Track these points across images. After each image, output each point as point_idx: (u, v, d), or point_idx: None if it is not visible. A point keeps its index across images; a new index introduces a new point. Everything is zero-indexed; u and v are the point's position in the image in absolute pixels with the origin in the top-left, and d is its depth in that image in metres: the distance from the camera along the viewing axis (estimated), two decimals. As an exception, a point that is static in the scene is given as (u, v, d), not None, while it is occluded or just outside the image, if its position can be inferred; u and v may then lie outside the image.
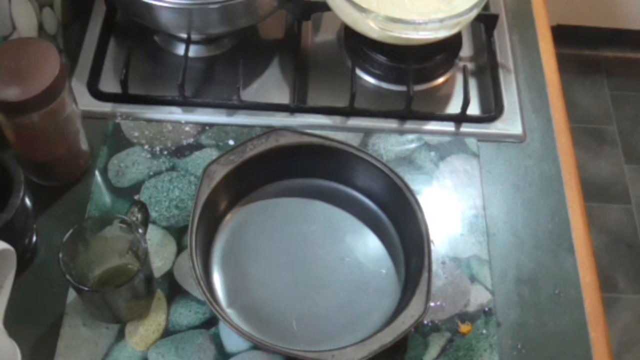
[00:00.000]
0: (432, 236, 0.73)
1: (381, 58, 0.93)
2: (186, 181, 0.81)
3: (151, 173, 0.82)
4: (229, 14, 0.87)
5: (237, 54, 0.94)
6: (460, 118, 0.88)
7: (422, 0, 0.90)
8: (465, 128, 0.88)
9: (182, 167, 0.83)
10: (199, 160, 0.83)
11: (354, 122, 0.88)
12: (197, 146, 0.84)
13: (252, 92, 0.92)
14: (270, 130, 0.78)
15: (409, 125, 0.88)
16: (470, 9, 0.85)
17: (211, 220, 0.76)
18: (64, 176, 0.81)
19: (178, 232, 0.78)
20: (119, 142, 0.84)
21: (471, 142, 0.86)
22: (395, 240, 0.78)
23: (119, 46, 0.95)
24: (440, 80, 0.95)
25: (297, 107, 0.88)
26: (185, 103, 0.88)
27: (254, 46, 0.97)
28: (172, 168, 0.83)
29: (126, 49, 0.89)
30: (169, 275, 0.75)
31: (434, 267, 0.73)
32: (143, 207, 0.74)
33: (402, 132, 0.87)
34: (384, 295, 0.74)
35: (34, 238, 0.76)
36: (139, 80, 0.91)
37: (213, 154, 0.83)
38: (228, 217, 0.79)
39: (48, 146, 0.76)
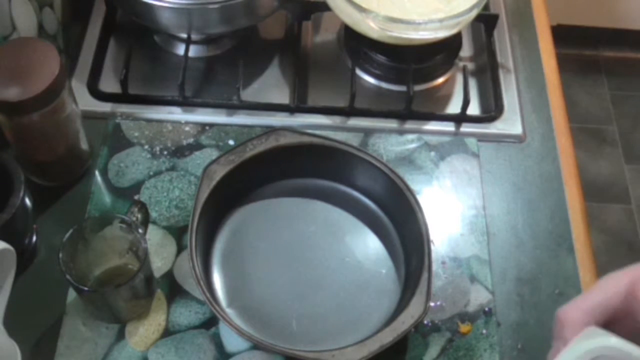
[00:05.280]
0: (432, 236, 0.73)
1: (381, 58, 0.93)
2: (186, 181, 0.81)
3: (151, 173, 0.82)
4: (229, 14, 0.87)
5: (237, 54, 0.94)
6: (460, 118, 0.88)
7: (422, 0, 0.90)
8: (465, 128, 0.88)
9: (182, 167, 0.83)
10: (199, 160, 0.83)
11: (354, 122, 0.88)
12: (197, 146, 0.84)
13: (252, 92, 0.92)
14: (270, 130, 0.78)
15: (409, 125, 0.88)
16: (470, 9, 0.85)
17: (211, 220, 0.76)
18: (64, 176, 0.81)
19: (178, 232, 0.78)
20: (119, 142, 0.84)
21: (471, 142, 0.86)
22: (395, 240, 0.78)
23: (119, 46, 0.95)
24: (440, 80, 0.95)
25: (297, 107, 0.88)
26: (185, 103, 0.88)
27: (254, 46, 0.97)
28: (172, 168, 0.83)
29: (126, 49, 0.89)
30: (169, 275, 0.75)
31: (434, 267, 0.73)
32: (143, 207, 0.74)
33: (402, 132, 0.87)
34: (384, 295, 0.74)
35: (34, 238, 0.76)
36: (139, 80, 0.91)
37: (213, 154, 0.83)
38: (228, 217, 0.79)
39: (48, 146, 0.76)
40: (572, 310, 0.49)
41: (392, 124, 0.88)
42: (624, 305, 0.48)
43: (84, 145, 0.80)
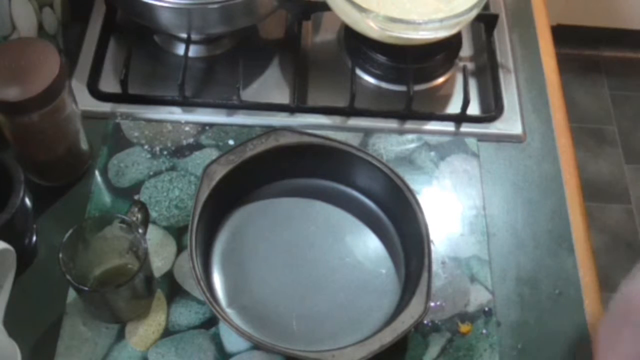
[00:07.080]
0: (432, 236, 0.73)
1: (381, 58, 0.93)
2: (186, 181, 0.81)
3: (151, 173, 0.82)
4: (229, 14, 0.87)
5: (237, 54, 0.94)
6: (460, 118, 0.88)
7: (422, 0, 0.90)
8: (465, 128, 0.88)
9: (182, 167, 0.83)
10: (199, 160, 0.83)
11: (354, 122, 0.88)
12: (197, 146, 0.84)
13: (252, 92, 0.91)
14: (270, 130, 0.78)
15: (409, 125, 0.88)
16: (470, 9, 0.85)
17: (211, 220, 0.76)
18: (64, 176, 0.81)
19: (178, 232, 0.78)
20: (119, 142, 0.84)
21: (471, 142, 0.86)
22: (395, 240, 0.78)
23: (119, 46, 0.95)
24: (440, 80, 0.95)
25: (297, 107, 0.88)
26: (185, 103, 0.88)
27: (254, 46, 0.97)
28: (172, 168, 0.83)
29: (126, 49, 0.89)
30: (169, 275, 0.75)
31: (434, 267, 0.73)
32: (143, 207, 0.74)
33: (402, 132, 0.87)
34: (384, 295, 0.74)
35: (34, 238, 0.76)
36: (139, 80, 0.91)
37: (213, 154, 0.83)
38: (228, 217, 0.79)
39: (48, 146, 0.76)
40: None
41: (392, 124, 0.88)
42: None
43: (84, 145, 0.80)
